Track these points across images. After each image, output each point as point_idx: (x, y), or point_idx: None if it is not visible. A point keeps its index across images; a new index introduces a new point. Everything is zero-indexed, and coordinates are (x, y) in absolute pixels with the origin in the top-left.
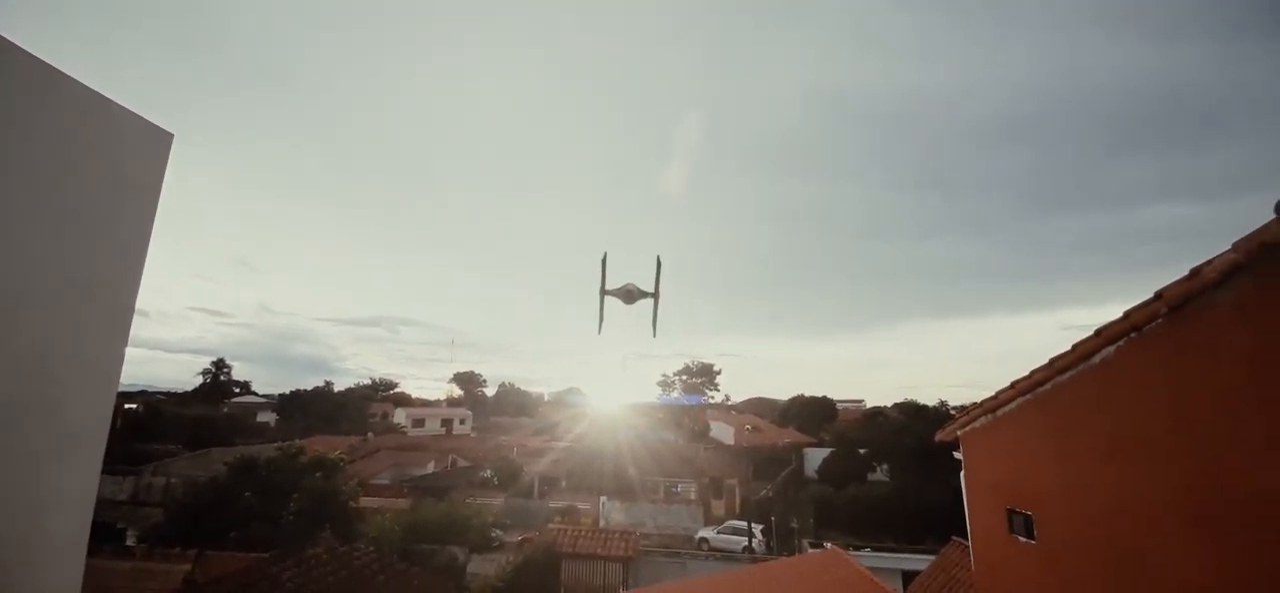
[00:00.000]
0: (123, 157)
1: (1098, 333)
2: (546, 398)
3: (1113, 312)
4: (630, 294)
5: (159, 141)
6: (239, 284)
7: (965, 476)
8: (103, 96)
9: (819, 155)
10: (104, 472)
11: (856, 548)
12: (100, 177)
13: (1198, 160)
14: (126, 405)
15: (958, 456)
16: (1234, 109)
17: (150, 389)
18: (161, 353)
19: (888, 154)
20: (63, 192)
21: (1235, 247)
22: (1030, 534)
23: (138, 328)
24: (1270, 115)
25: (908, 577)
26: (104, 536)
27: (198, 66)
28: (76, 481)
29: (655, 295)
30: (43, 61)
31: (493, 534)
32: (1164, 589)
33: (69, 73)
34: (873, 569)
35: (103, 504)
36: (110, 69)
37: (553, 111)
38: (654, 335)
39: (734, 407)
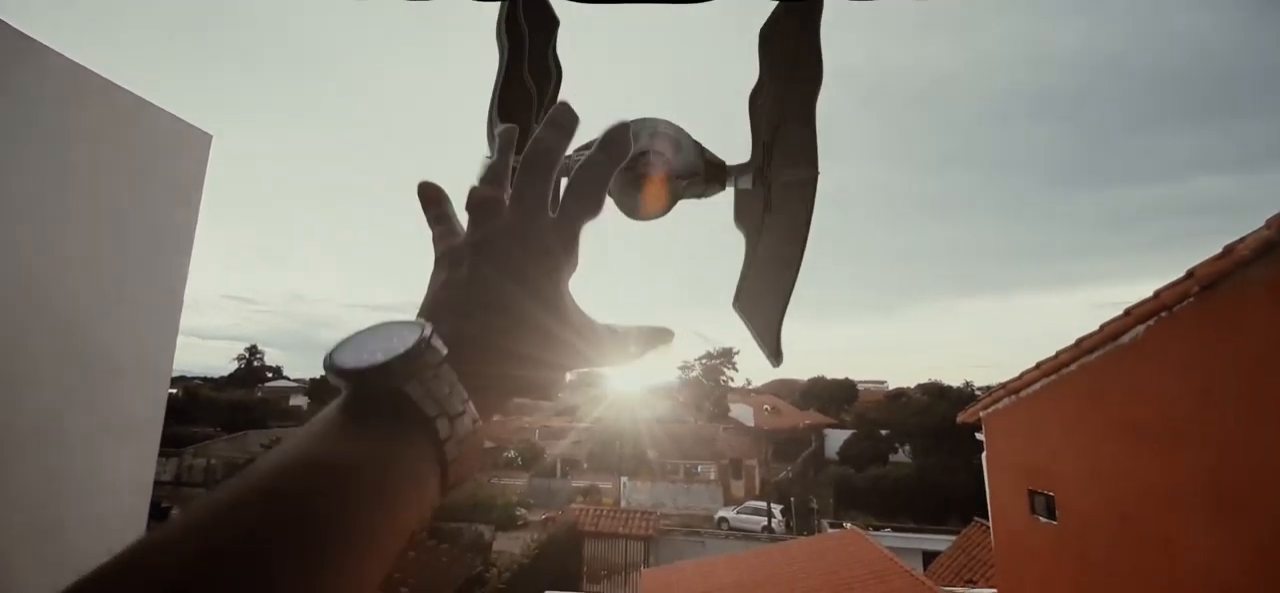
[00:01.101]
0: (167, 158)
1: (1127, 313)
2: (567, 380)
3: (1146, 289)
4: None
5: (199, 142)
6: (270, 272)
7: (987, 456)
8: (146, 101)
9: (840, 135)
10: (161, 455)
11: (877, 529)
12: (147, 178)
13: (1238, 130)
14: (169, 392)
15: (980, 437)
16: (1273, 77)
17: (188, 375)
18: (196, 339)
19: (912, 133)
20: (114, 194)
21: (1268, 223)
22: (1052, 515)
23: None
24: None
25: (928, 557)
26: (152, 515)
27: (231, 61)
28: (137, 464)
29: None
30: (90, 70)
31: (517, 513)
32: (1187, 572)
33: (111, 79)
34: (893, 549)
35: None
36: (144, 71)
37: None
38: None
39: (754, 389)
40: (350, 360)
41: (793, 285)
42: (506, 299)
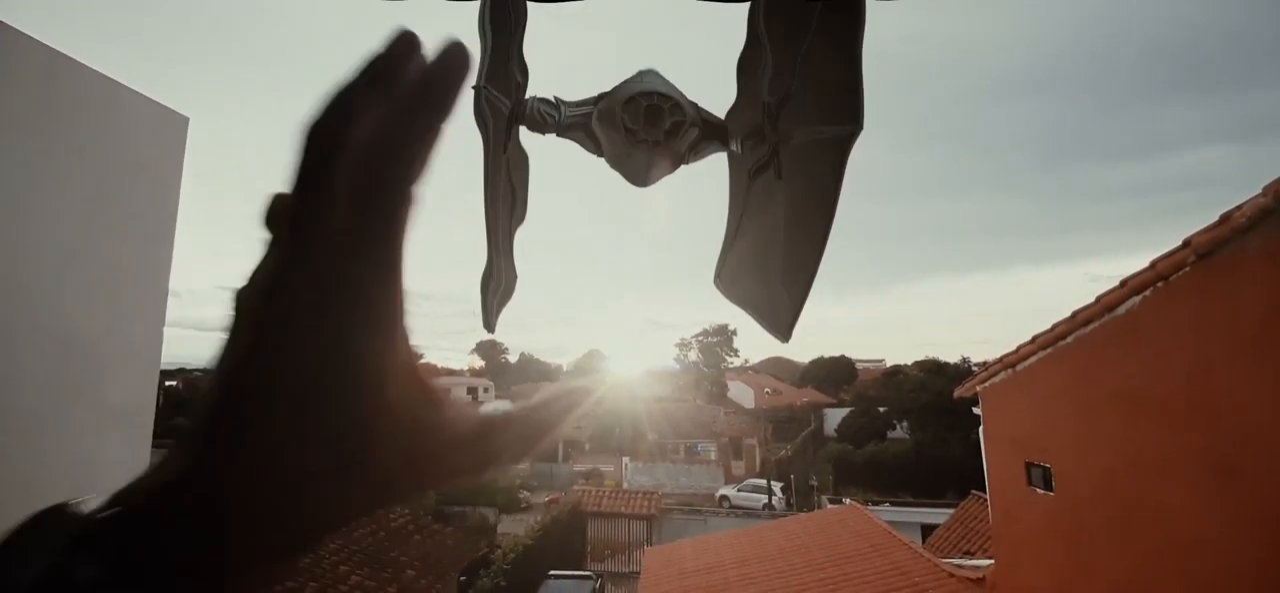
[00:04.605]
0: (142, 141)
1: (1123, 284)
2: (565, 369)
3: (1143, 261)
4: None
5: (175, 125)
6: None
7: (985, 430)
8: (119, 84)
9: None
10: (153, 445)
11: (875, 504)
12: (123, 162)
13: (1235, 103)
14: (167, 383)
15: (977, 411)
16: (1269, 49)
17: (187, 367)
18: (194, 332)
19: (907, 107)
20: (90, 179)
21: (1265, 191)
22: (1048, 486)
23: (170, 308)
24: None
25: (927, 531)
26: None
27: (209, 47)
28: (129, 453)
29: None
30: (61, 52)
31: (521, 496)
32: (1182, 539)
33: (83, 62)
34: (892, 524)
35: None
36: (120, 55)
37: (567, 72)
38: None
39: (753, 369)
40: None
41: (816, 266)
42: (268, 408)
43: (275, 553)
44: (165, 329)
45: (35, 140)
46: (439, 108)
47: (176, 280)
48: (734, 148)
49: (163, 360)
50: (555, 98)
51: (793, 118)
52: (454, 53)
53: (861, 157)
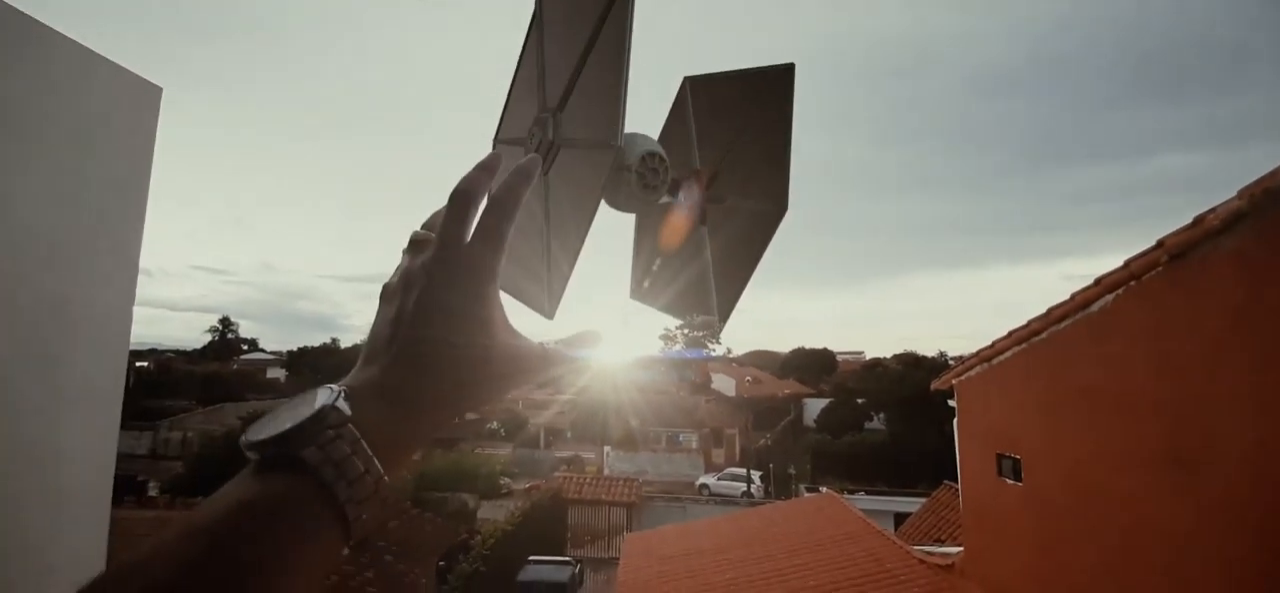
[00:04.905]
0: (113, 111)
1: (1097, 282)
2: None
3: (1117, 261)
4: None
5: (149, 95)
6: (240, 242)
7: (959, 422)
8: (89, 50)
9: (815, 107)
10: (122, 428)
11: (851, 492)
12: (92, 133)
13: (1213, 107)
14: (138, 364)
15: (952, 404)
16: (1252, 53)
17: (160, 348)
18: (167, 311)
19: (887, 105)
20: (56, 149)
21: (1240, 194)
22: (1018, 477)
23: (142, 287)
24: None
25: (900, 518)
26: (126, 488)
27: (187, 18)
28: (96, 432)
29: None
30: (29, 16)
31: (501, 483)
32: (1145, 528)
33: (52, 27)
34: (866, 512)
35: (124, 458)
36: (91, 22)
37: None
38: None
39: (735, 359)
40: (258, 433)
41: (740, 293)
42: (429, 335)
43: (451, 418)
44: (136, 308)
45: (2, 106)
46: (523, 183)
47: (148, 258)
48: (678, 199)
49: (134, 340)
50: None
51: (728, 185)
52: (530, 162)
53: (848, 154)
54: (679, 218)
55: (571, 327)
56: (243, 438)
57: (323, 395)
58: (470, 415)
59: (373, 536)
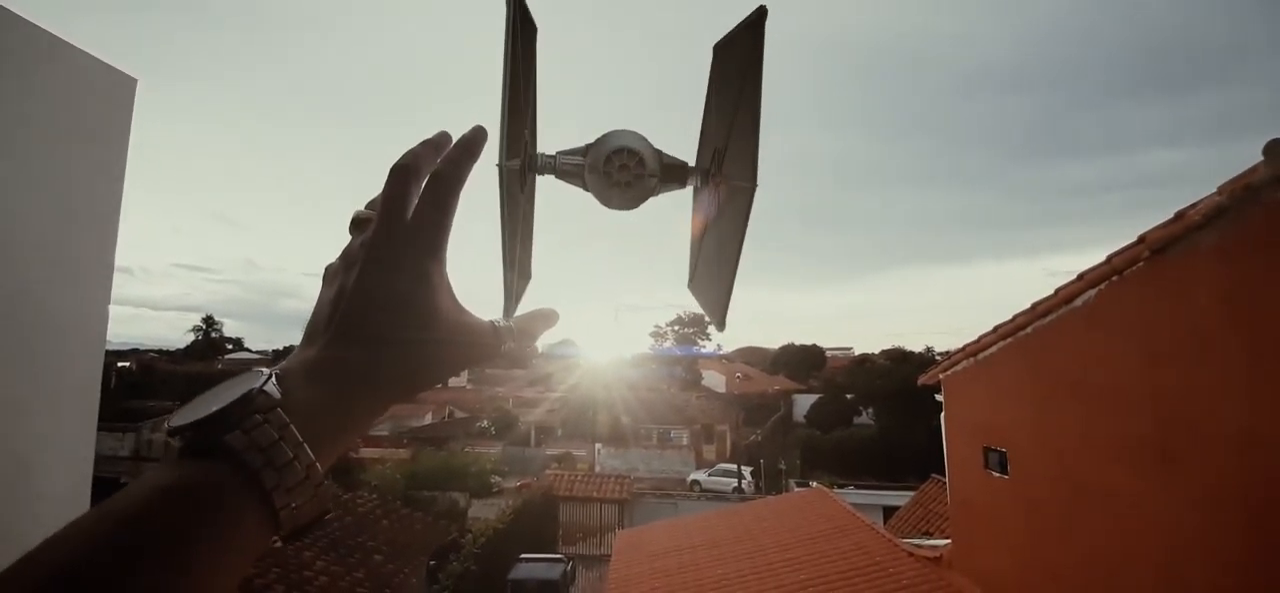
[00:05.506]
0: (86, 103)
1: (1080, 277)
2: (540, 351)
3: (1100, 257)
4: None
5: (123, 87)
6: (222, 239)
7: (946, 416)
8: (62, 40)
9: (803, 104)
10: (103, 429)
11: (840, 487)
12: (65, 126)
13: (1199, 103)
14: (119, 364)
15: (940, 398)
16: (1233, 51)
17: (142, 348)
18: (149, 311)
19: (874, 102)
20: (26, 142)
21: (1220, 189)
22: (1004, 470)
23: (122, 285)
24: (1271, 57)
25: (888, 512)
26: (109, 489)
27: (164, 7)
28: (72, 431)
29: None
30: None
31: (492, 481)
32: (1129, 520)
33: (20, 13)
34: (855, 506)
35: (105, 460)
36: (63, 10)
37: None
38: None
39: (725, 356)
40: (182, 418)
41: (733, 277)
42: (369, 314)
43: (396, 398)
44: (117, 307)
45: None
46: (468, 157)
47: (128, 256)
48: (693, 183)
49: (116, 340)
50: (555, 152)
51: (729, 165)
52: (476, 131)
53: (837, 150)
54: (698, 205)
55: (574, 324)
56: (166, 423)
57: (252, 379)
58: (459, 414)
59: (310, 526)
